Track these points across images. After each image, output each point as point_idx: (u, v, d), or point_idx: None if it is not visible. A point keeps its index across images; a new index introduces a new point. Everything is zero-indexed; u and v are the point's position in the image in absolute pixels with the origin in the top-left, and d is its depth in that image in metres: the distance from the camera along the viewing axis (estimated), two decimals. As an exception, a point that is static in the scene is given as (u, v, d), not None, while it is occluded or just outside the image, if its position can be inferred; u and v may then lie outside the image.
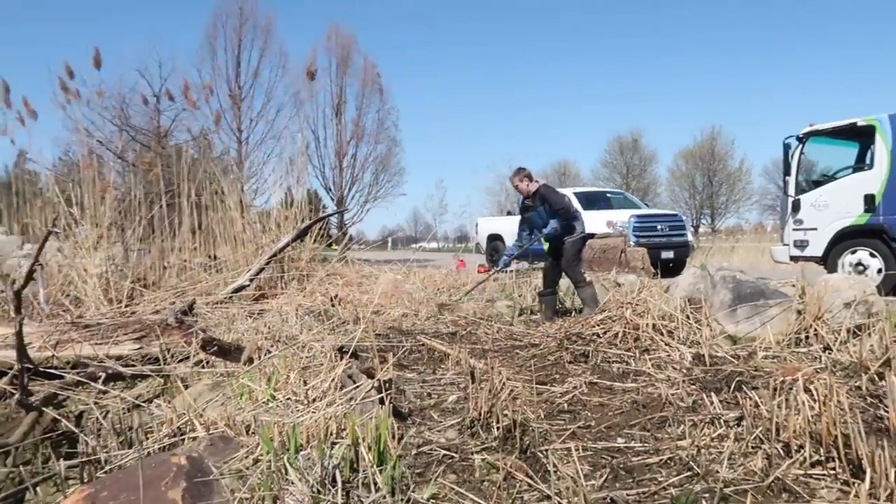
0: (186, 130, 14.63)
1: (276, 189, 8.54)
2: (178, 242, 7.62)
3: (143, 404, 3.30)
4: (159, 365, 3.89)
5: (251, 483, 2.10)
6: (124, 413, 3.11)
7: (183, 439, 2.68)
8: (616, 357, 4.05)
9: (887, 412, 2.40)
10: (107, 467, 2.53)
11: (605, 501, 2.11)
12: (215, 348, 3.64)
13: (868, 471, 1.97)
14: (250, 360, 3.57)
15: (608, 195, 15.19)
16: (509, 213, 17.63)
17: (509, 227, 15.37)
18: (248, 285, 6.69)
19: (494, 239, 15.72)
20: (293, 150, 8.87)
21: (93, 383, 3.59)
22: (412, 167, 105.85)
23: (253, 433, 2.59)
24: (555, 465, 2.24)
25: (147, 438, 2.76)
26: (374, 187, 24.00)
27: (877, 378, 3.17)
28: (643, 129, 52.50)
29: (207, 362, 3.83)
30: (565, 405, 3.18)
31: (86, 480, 2.48)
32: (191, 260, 7.63)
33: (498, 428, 2.61)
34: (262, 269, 6.90)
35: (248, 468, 2.25)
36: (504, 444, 2.52)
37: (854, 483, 2.05)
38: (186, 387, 3.45)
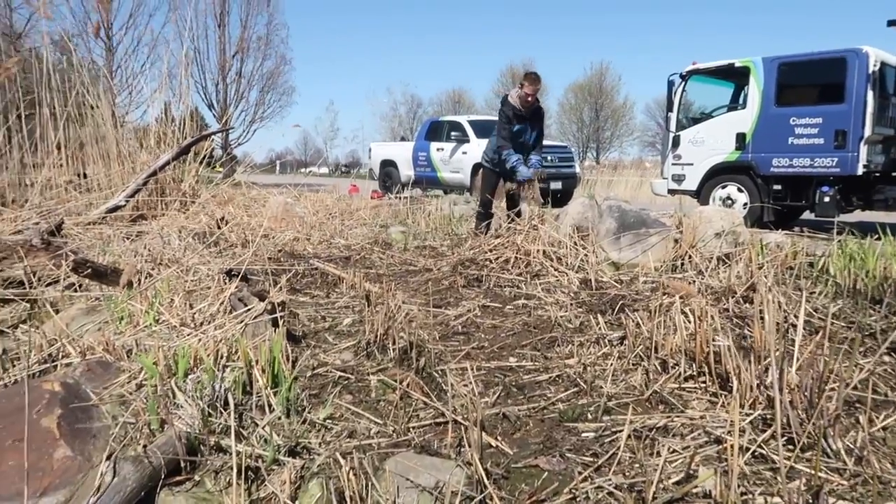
0: (46, 34, 13.12)
1: (153, 103, 7.90)
2: (40, 157, 6.93)
3: (6, 330, 3.04)
4: (24, 289, 3.58)
5: (135, 408, 2.00)
6: (-15, 339, 2.85)
7: (55, 366, 2.50)
8: (508, 281, 4.15)
9: (751, 332, 2.61)
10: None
11: (497, 417, 2.18)
12: (89, 271, 3.39)
13: (735, 383, 2.15)
14: (129, 284, 3.36)
15: (501, 125, 15.28)
16: (403, 139, 17.41)
17: (403, 153, 15.22)
18: (125, 205, 6.23)
19: (388, 165, 15.54)
20: (172, 62, 8.16)
21: (-54, 308, 3.26)
22: (302, 87, 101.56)
23: (135, 358, 2.45)
24: (451, 384, 2.28)
25: (13, 366, 2.55)
26: (260, 106, 22.89)
27: (742, 301, 3.45)
28: (535, 59, 52.92)
29: (80, 286, 3.56)
30: (460, 327, 3.24)
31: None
32: (57, 177, 6.99)
33: (394, 349, 2.62)
34: (139, 189, 6.42)
35: (130, 393, 2.13)
36: (400, 365, 2.54)
37: (722, 394, 2.24)
38: (57, 311, 3.20)
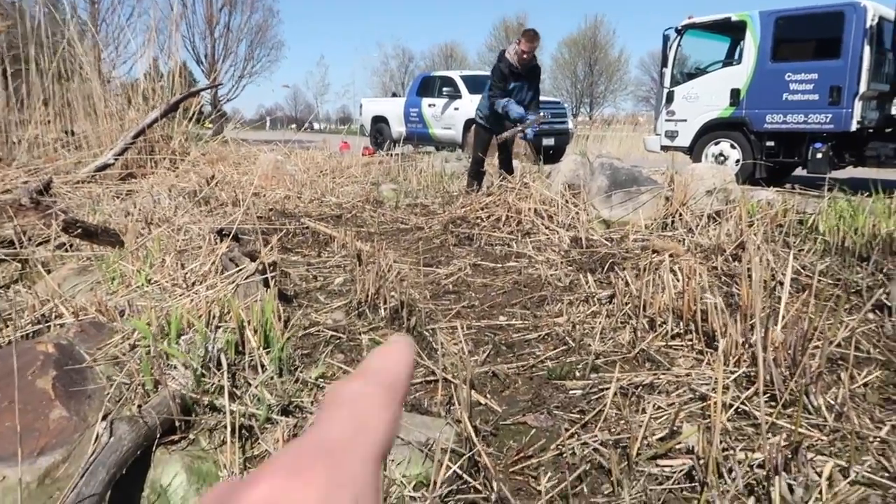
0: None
1: (140, 59, 7.74)
2: (27, 114, 6.82)
3: (-2, 290, 3.05)
4: (14, 249, 3.57)
5: (129, 368, 2.02)
6: (-23, 300, 2.86)
7: (49, 326, 2.51)
8: (499, 240, 4.17)
9: (739, 290, 2.64)
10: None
11: (487, 375, 2.22)
12: (80, 230, 3.37)
13: (721, 341, 2.19)
14: (122, 244, 3.35)
15: (495, 80, 15.10)
16: (394, 95, 17.18)
17: (394, 109, 15.03)
18: (113, 164, 6.16)
19: (379, 121, 15.37)
20: (158, 16, 7.98)
21: (-64, 268, 3.25)
22: (291, 42, 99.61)
23: (128, 318, 2.46)
24: (441, 343, 2.31)
25: (6, 326, 2.56)
26: (249, 61, 22.49)
27: (731, 259, 3.48)
28: (529, 13, 51.90)
29: (71, 245, 3.55)
30: (450, 286, 3.26)
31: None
32: (45, 135, 6.89)
33: (385, 309, 2.64)
34: (128, 147, 6.35)
35: (124, 354, 2.15)
36: (391, 325, 2.56)
37: (708, 352, 2.28)
38: (49, 272, 3.20)
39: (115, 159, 6.16)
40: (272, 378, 2.02)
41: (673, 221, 4.41)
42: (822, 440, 1.69)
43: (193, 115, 7.68)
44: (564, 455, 1.70)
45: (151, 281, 2.88)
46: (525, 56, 5.61)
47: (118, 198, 4.93)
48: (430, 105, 13.84)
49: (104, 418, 1.70)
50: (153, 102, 7.08)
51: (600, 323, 2.58)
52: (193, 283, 2.85)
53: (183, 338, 2.16)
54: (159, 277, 2.89)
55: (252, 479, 0.16)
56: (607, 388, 2.00)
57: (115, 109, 7.24)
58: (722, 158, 9.10)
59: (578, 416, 1.90)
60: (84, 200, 4.78)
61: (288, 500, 0.15)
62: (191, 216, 4.25)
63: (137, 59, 7.81)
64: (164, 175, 6.11)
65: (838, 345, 2.25)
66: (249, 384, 1.97)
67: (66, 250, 3.54)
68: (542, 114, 5.86)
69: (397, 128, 14.60)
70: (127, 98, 7.55)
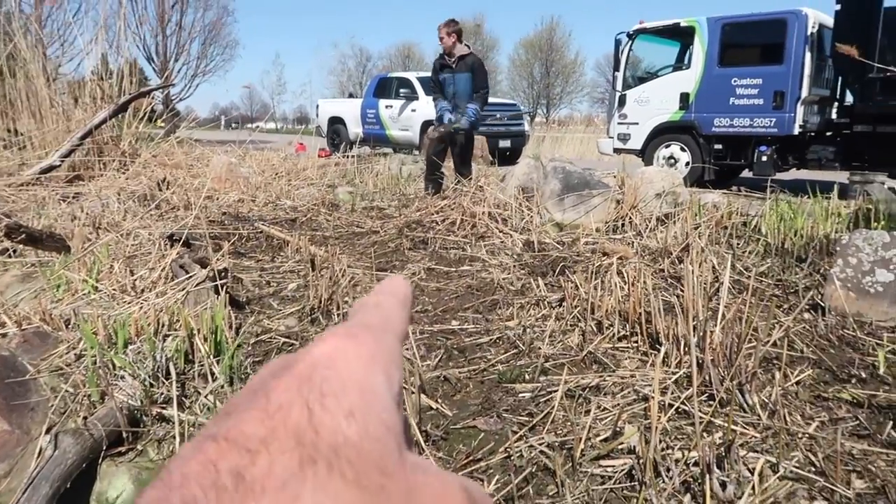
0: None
1: (87, 56, 7.54)
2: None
3: (-64, 299, 2.95)
4: (-46, 255, 3.46)
5: (74, 379, 1.99)
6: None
7: (-10, 336, 2.45)
8: (453, 244, 4.21)
9: (683, 292, 2.73)
10: None
11: (439, 379, 2.25)
12: (23, 236, 3.29)
13: (664, 343, 2.27)
14: (68, 249, 3.28)
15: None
16: (351, 95, 17.10)
17: (351, 111, 14.97)
18: (59, 165, 6.00)
19: (336, 122, 15.28)
20: (107, 11, 7.76)
21: None
22: (246, 40, 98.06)
23: (74, 327, 2.42)
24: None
25: (-55, 337, 2.49)
26: (202, 60, 22.09)
27: (677, 261, 3.59)
28: (486, 13, 52.24)
29: (14, 251, 3.46)
30: (404, 290, 3.28)
31: None
32: (-17, 135, 6.67)
33: (338, 315, 2.65)
34: (75, 149, 6.19)
35: (69, 365, 2.12)
36: (344, 330, 2.57)
37: (652, 353, 2.36)
38: (-10, 279, 3.12)
39: (62, 161, 6.00)
40: (223, 387, 2.01)
41: (623, 224, 4.51)
42: (755, 437, 1.77)
43: (145, 115, 7.51)
44: (512, 458, 1.74)
45: (98, 288, 2.83)
46: (441, 43, 5.70)
47: (64, 201, 4.81)
48: (387, 106, 13.83)
49: (48, 431, 1.68)
50: (101, 102, 6.92)
51: (550, 326, 2.64)
52: (142, 291, 2.81)
53: (131, 347, 2.14)
54: (107, 284, 2.84)
55: (315, 342, 0.21)
56: (555, 391, 2.05)
57: (61, 109, 7.05)
58: (672, 161, 9.34)
59: (527, 418, 1.95)
60: (28, 204, 4.66)
61: (347, 352, 0.20)
62: (141, 220, 4.18)
63: (85, 57, 7.59)
64: (113, 177, 5.98)
65: (774, 344, 2.35)
66: (199, 393, 1.96)
67: (9, 256, 3.45)
68: (467, 114, 5.84)
69: (354, 129, 14.54)
70: (74, 97, 7.36)
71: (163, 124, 10.74)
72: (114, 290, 2.80)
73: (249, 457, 0.17)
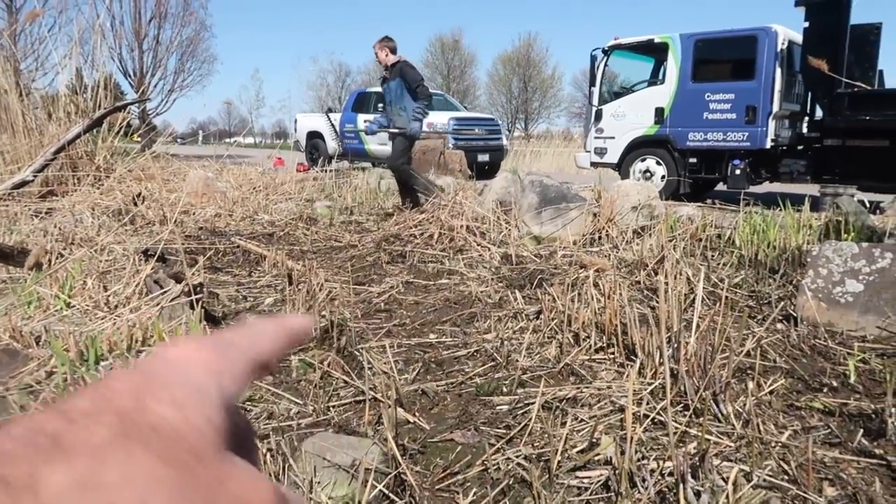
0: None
1: (62, 70, 7.46)
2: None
3: None
4: (-78, 272, 3.39)
5: (45, 397, 1.95)
6: None
7: (-42, 355, 2.40)
8: (432, 257, 4.21)
9: (659, 304, 2.76)
10: None
11: (416, 393, 2.25)
12: (-7, 253, 3.24)
13: (639, 354, 2.28)
14: (38, 266, 3.23)
15: (429, 96, 15.24)
16: (330, 111, 17.11)
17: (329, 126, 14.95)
18: (32, 181, 5.91)
19: (314, 137, 15.26)
20: (83, 26, 7.71)
21: None
22: (225, 55, 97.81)
23: (45, 344, 2.38)
24: (369, 362, 2.33)
25: (-89, 356, 2.43)
26: (180, 74, 21.95)
27: (653, 273, 3.62)
28: (464, 29, 52.67)
29: (-16, 268, 3.40)
30: (382, 304, 3.28)
31: None
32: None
33: (315, 329, 2.63)
34: (48, 164, 6.10)
35: (39, 382, 2.08)
36: (322, 345, 2.56)
37: (628, 365, 2.37)
38: (-41, 296, 3.06)
39: (34, 176, 5.91)
40: (197, 403, 1.99)
41: (600, 237, 4.56)
42: (729, 447, 1.78)
43: (120, 129, 7.44)
44: (489, 470, 1.74)
45: (71, 304, 2.79)
46: (377, 57, 5.95)
47: (37, 216, 4.75)
48: (365, 121, 13.84)
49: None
50: (76, 117, 6.84)
51: (527, 339, 2.65)
52: (116, 306, 2.78)
53: (103, 363, 2.11)
54: (80, 300, 2.80)
55: (164, 347, 0.23)
56: (533, 403, 2.05)
57: (34, 124, 6.96)
58: (648, 175, 9.45)
59: (504, 431, 1.95)
60: (0, 219, 4.58)
61: (188, 359, 0.22)
62: (115, 236, 4.13)
63: (60, 71, 7.51)
64: (87, 193, 5.90)
65: (747, 354, 2.39)
66: (173, 410, 1.93)
67: (-21, 274, 3.38)
68: (410, 115, 5.90)
69: (333, 144, 14.53)
70: (47, 112, 7.27)
71: (139, 139, 10.64)
72: (87, 306, 2.76)
73: (70, 425, 0.18)
